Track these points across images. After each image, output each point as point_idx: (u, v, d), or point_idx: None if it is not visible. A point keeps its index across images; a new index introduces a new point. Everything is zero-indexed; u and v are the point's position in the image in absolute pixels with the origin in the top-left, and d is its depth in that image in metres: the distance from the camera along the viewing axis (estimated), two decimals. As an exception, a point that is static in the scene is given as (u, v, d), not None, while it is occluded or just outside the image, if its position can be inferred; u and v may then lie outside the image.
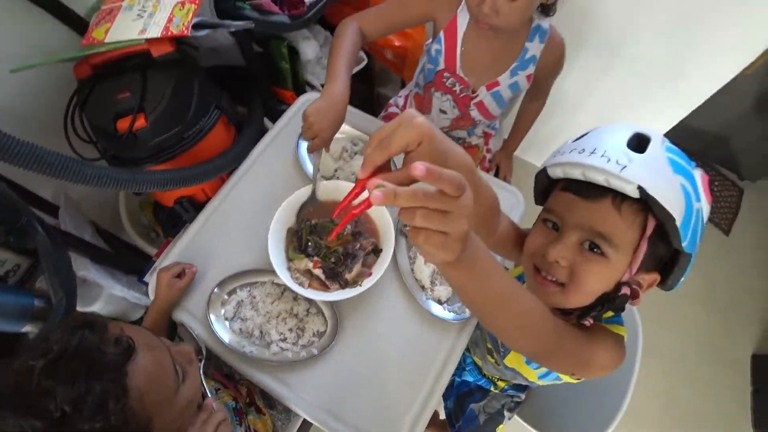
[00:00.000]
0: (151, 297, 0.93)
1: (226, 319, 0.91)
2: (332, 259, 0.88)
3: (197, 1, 0.81)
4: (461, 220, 0.36)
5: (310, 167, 1.02)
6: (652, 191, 0.48)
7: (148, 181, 0.86)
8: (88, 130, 0.95)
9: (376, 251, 0.90)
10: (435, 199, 0.34)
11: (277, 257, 0.87)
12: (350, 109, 1.14)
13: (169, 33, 0.80)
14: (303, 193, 0.93)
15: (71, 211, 1.11)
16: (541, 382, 0.83)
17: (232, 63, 1.20)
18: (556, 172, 0.57)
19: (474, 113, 1.12)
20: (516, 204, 1.06)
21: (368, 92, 1.83)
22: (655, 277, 0.57)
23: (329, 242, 0.87)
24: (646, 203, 0.50)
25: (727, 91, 1.33)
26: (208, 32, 0.84)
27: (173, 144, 0.94)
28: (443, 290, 0.93)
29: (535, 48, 0.97)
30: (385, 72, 1.82)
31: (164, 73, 0.90)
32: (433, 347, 0.89)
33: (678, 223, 0.49)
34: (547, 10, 0.93)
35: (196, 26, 0.81)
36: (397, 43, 1.42)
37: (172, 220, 1.16)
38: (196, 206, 1.10)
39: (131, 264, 1.16)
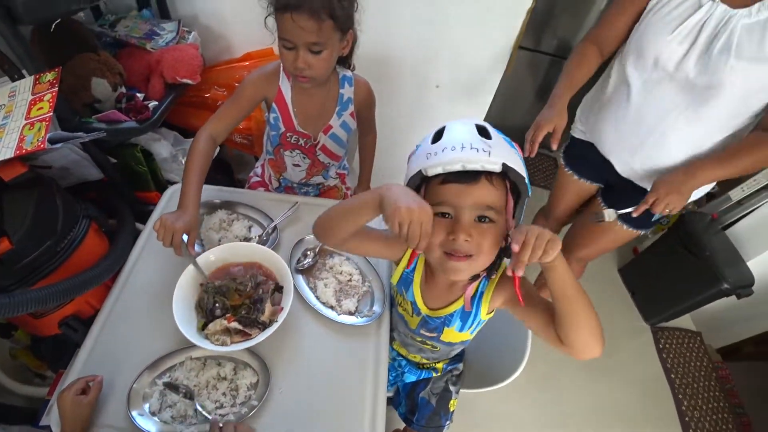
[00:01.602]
0: (56, 431, 0.86)
1: (153, 414, 0.89)
2: (243, 311, 0.93)
3: (48, 118, 0.87)
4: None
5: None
6: (511, 164, 0.68)
7: (28, 301, 0.83)
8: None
9: (279, 289, 0.98)
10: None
11: (189, 330, 0.90)
12: (219, 188, 1.25)
13: (24, 151, 0.83)
14: (192, 270, 0.98)
15: None
16: (472, 336, 0.97)
17: (89, 179, 1.23)
18: (435, 170, 0.69)
19: (322, 157, 1.31)
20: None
21: (228, 181, 1.95)
22: (513, 220, 0.78)
23: (235, 301, 0.94)
24: (504, 173, 0.69)
25: (507, 93, 1.78)
26: (62, 145, 0.89)
27: (47, 260, 0.93)
28: (349, 303, 1.04)
29: (347, 91, 1.22)
30: (239, 156, 1.96)
31: (21, 194, 0.91)
32: (361, 352, 0.98)
33: (526, 179, 0.71)
34: (344, 62, 1.19)
35: (51, 140, 0.85)
36: (241, 126, 1.58)
37: (59, 350, 1.08)
38: (84, 322, 1.05)
39: (19, 414, 1.04)
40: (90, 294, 1.07)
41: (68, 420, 0.81)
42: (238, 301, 0.95)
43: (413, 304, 0.94)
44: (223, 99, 1.52)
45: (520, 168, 0.71)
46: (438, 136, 0.73)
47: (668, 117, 1.10)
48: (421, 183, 0.75)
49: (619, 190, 1.33)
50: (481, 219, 0.72)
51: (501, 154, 0.68)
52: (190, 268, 0.97)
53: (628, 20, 1.14)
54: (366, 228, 0.87)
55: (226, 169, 1.91)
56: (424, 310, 0.93)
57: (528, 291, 0.83)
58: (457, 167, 0.67)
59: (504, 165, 0.68)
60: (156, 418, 0.88)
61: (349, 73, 1.22)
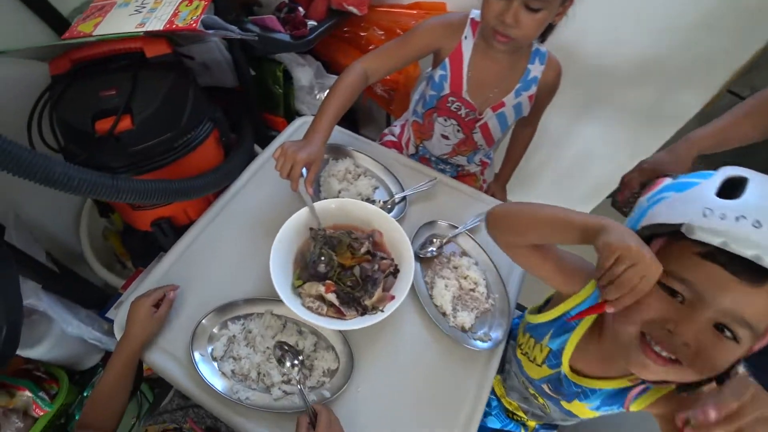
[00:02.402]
0: (118, 335, 0.77)
1: (215, 359, 0.76)
2: (348, 283, 0.77)
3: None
4: None
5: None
6: None
7: (130, 190, 0.73)
8: (56, 133, 0.82)
9: (395, 272, 0.80)
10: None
11: (281, 282, 0.75)
12: (352, 134, 1.09)
13: (175, 26, 0.72)
14: (305, 214, 0.83)
15: (21, 232, 0.93)
16: (594, 414, 0.73)
17: (223, 84, 1.13)
18: (711, 240, 0.45)
19: (477, 137, 1.10)
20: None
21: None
22: None
23: (345, 260, 0.77)
24: None
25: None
26: (213, 33, 0.77)
27: (161, 152, 0.84)
28: (465, 316, 0.84)
29: (536, 69, 0.99)
30: (369, 110, 1.81)
31: (157, 75, 0.81)
32: (462, 379, 0.79)
33: None
34: (545, 34, 0.96)
35: (204, 24, 0.74)
36: (388, 77, 1.41)
37: (146, 248, 1.01)
38: (176, 230, 0.96)
39: (91, 296, 0.97)
40: (190, 203, 0.98)
41: (136, 328, 0.73)
42: (347, 261, 0.78)
43: (554, 354, 0.70)
44: (379, 42, 1.36)
45: None
46: (729, 189, 0.48)
47: None
48: (661, 233, 0.52)
49: None
50: (720, 328, 0.47)
51: None
52: (303, 211, 0.82)
53: None
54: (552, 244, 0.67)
55: (352, 120, 1.77)
56: (565, 369, 0.69)
57: None
58: (748, 254, 0.43)
59: None
60: (215, 364, 0.75)
61: (543, 48, 0.99)
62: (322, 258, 0.78)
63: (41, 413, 0.97)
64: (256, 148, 1.16)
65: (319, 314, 0.74)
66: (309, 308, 0.75)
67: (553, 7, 0.81)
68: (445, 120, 1.08)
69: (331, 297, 0.74)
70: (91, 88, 0.78)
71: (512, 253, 0.71)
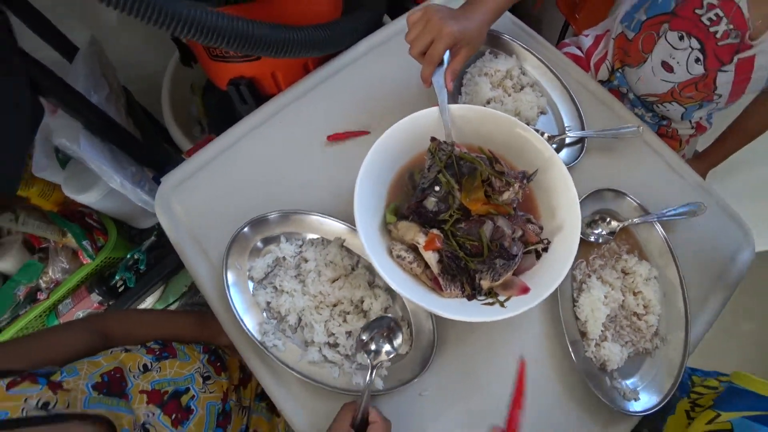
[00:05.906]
0: (160, 217, 0.60)
1: (251, 279, 0.56)
2: (466, 244, 0.48)
3: None
4: None
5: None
6: None
7: (189, 20, 0.49)
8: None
9: (542, 250, 0.50)
10: None
11: (366, 208, 0.48)
12: (523, 25, 0.75)
13: None
14: (434, 116, 0.53)
15: (91, 58, 0.78)
16: None
17: None
18: None
19: (724, 79, 0.68)
20: (741, 244, 0.66)
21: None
22: None
23: (472, 202, 0.48)
24: None
25: None
26: None
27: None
28: (615, 351, 0.53)
29: None
30: (537, 22, 1.38)
31: None
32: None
33: None
34: None
35: None
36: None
37: (224, 111, 0.80)
38: (258, 97, 0.73)
39: (148, 152, 0.80)
40: (280, 66, 0.74)
41: None
42: (475, 206, 0.49)
43: None
44: None
45: None
46: None
47: None
48: None
49: None
50: None
51: None
52: (432, 111, 0.53)
53: None
54: None
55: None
56: None
57: None
58: None
59: None
60: (250, 285, 0.55)
61: None
62: (436, 188, 0.49)
63: (85, 262, 0.88)
64: (386, 19, 0.86)
65: (407, 272, 0.48)
66: (397, 258, 0.48)
67: None
68: (681, 38, 0.67)
69: (430, 257, 0.47)
70: None
71: None
